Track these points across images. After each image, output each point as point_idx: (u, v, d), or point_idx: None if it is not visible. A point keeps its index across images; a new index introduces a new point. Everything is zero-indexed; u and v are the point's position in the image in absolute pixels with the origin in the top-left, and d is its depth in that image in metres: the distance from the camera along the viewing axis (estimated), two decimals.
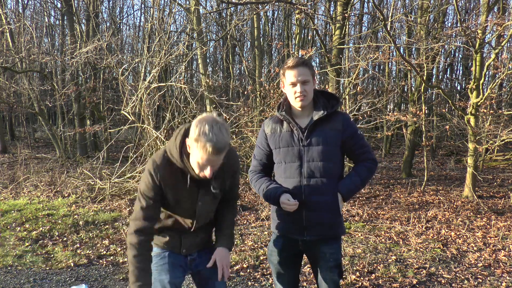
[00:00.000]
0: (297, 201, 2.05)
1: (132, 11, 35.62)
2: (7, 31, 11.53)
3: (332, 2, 12.52)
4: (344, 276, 3.83)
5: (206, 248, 2.15)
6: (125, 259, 4.25)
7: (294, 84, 2.11)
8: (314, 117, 2.13)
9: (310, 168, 2.10)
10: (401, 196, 7.71)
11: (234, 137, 7.37)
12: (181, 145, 1.86)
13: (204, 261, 2.08)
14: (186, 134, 1.86)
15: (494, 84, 7.43)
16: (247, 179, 7.23)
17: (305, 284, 3.72)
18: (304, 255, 2.33)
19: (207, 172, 1.81)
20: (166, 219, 2.04)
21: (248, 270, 4.00)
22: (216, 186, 1.98)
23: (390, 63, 13.21)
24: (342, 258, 2.47)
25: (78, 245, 4.70)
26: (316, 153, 2.10)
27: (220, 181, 2.01)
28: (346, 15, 8.24)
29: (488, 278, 3.90)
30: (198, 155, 1.76)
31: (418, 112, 8.45)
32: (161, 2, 12.74)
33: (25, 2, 18.56)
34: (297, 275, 2.35)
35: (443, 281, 3.83)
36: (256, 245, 4.74)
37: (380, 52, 8.05)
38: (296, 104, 2.15)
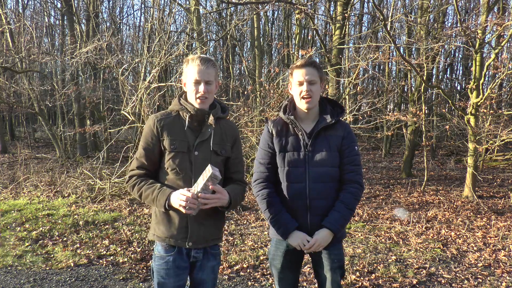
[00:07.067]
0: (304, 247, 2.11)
1: (132, 11, 35.74)
2: (7, 31, 11.51)
3: (332, 2, 12.53)
4: (344, 276, 3.83)
5: (212, 248, 2.07)
6: (125, 259, 4.26)
7: (301, 83, 2.11)
8: (320, 124, 2.13)
9: (314, 173, 2.11)
10: (401, 196, 7.70)
11: None
12: (178, 98, 2.08)
13: (206, 269, 2.05)
14: (181, 94, 2.11)
15: (494, 84, 7.44)
16: (247, 179, 7.21)
17: (305, 284, 3.73)
18: (304, 256, 2.34)
19: (201, 89, 1.95)
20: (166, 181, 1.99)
21: (248, 270, 4.00)
22: (215, 141, 2.01)
23: (390, 63, 13.20)
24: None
25: (78, 245, 4.69)
26: (320, 158, 2.11)
27: (219, 138, 2.03)
28: (346, 15, 8.25)
29: (488, 278, 3.90)
30: (191, 73, 1.96)
31: (418, 112, 8.45)
32: (161, 2, 12.77)
33: (25, 2, 18.58)
34: (297, 277, 2.38)
35: (443, 281, 3.84)
36: (256, 245, 4.74)
37: (380, 52, 8.05)
38: (302, 105, 2.14)
